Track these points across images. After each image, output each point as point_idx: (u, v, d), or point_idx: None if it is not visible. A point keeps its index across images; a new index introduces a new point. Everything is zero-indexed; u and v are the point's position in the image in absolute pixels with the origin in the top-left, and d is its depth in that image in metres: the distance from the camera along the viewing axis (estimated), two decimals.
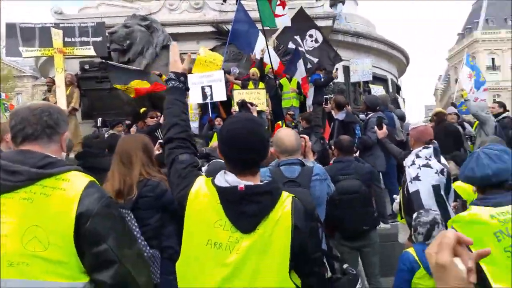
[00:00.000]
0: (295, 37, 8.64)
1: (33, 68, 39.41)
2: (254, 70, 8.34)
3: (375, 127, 4.64)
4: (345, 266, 2.15)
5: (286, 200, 1.57)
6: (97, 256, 1.42)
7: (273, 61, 8.21)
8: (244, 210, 1.51)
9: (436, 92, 66.78)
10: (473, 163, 2.12)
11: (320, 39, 8.99)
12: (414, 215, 2.92)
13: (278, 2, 7.90)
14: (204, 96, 7.27)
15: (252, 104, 6.32)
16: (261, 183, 1.60)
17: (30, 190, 1.40)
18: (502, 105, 7.23)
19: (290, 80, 8.82)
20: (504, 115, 6.96)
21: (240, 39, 8.51)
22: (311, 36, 9.02)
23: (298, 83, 8.77)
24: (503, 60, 51.97)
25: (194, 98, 7.39)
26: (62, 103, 8.25)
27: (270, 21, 7.97)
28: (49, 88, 9.47)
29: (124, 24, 8.40)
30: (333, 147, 4.66)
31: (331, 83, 9.49)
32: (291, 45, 8.89)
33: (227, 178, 1.58)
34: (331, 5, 11.17)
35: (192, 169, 1.71)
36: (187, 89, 1.93)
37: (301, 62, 8.42)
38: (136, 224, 2.56)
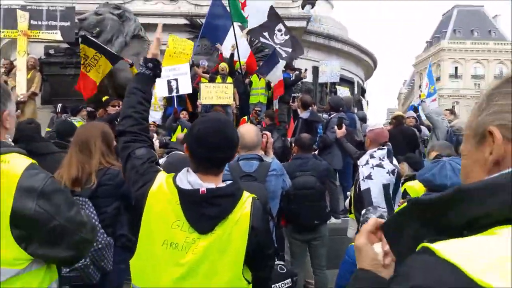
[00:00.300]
0: (264, 33, 8.63)
1: None
2: (224, 65, 8.40)
3: (335, 126, 4.84)
4: (277, 262, 2.25)
5: (246, 201, 1.59)
6: (50, 232, 1.40)
7: (243, 55, 8.26)
8: (204, 212, 1.52)
9: (400, 96, 68.91)
10: (437, 170, 2.28)
11: (287, 33, 9.07)
12: (363, 211, 3.11)
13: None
14: (170, 89, 7.32)
15: None
16: (223, 186, 1.59)
17: None
18: (452, 112, 7.63)
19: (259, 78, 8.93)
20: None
21: (213, 33, 8.56)
22: (280, 30, 9.12)
23: (267, 83, 8.87)
24: (465, 70, 54.32)
25: (160, 92, 7.43)
26: (22, 87, 8.06)
27: (241, 18, 8.06)
28: (6, 70, 9.18)
29: (95, 12, 8.27)
30: (293, 144, 4.83)
31: (299, 82, 9.73)
32: (263, 40, 8.91)
33: (189, 179, 1.56)
34: (301, 6, 11.34)
35: (150, 165, 1.68)
36: (156, 75, 1.87)
37: (279, 66, 8.31)
38: (94, 212, 2.55)
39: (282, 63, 8.31)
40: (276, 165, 3.07)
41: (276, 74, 8.34)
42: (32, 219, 1.35)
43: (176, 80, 7.30)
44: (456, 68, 54.87)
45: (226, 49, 8.59)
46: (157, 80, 6.54)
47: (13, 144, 1.58)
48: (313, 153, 4.61)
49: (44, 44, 9.20)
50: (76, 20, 8.33)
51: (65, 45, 9.10)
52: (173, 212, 1.53)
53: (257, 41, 9.40)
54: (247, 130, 2.97)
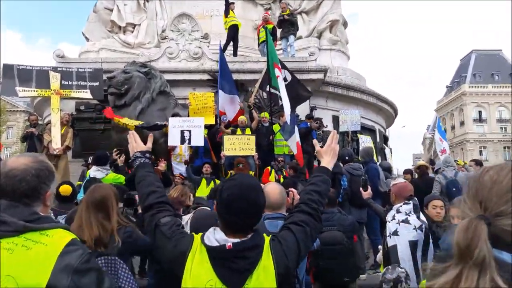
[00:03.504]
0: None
1: (27, 103, 39.72)
2: (243, 118, 8.64)
3: (361, 188, 4.77)
4: None
5: (267, 248, 1.66)
6: None
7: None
8: (233, 267, 1.58)
9: (425, 141, 67.95)
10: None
11: (289, 77, 8.83)
12: (383, 270, 3.04)
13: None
14: (183, 139, 7.47)
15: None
16: (246, 239, 1.66)
17: (12, 241, 1.42)
18: (478, 163, 7.41)
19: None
20: None
21: (229, 87, 8.94)
22: (285, 79, 8.81)
23: None
24: (489, 113, 53.55)
25: (172, 141, 7.55)
26: (57, 142, 8.41)
27: (274, 80, 8.23)
28: (32, 124, 9.57)
29: (123, 70, 8.62)
30: None
31: (320, 131, 9.80)
32: (269, 89, 8.72)
33: (216, 237, 1.65)
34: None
35: (176, 228, 1.78)
36: (154, 163, 2.05)
37: (296, 135, 8.08)
38: (127, 268, 2.68)
39: (297, 134, 8.12)
40: None
41: (294, 143, 8.13)
42: None
43: (189, 131, 7.49)
44: (480, 112, 54.24)
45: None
46: (171, 128, 6.76)
47: (57, 220, 1.66)
48: (337, 207, 4.56)
49: (75, 101, 9.65)
50: (105, 78, 8.77)
51: (95, 101, 9.51)
52: (205, 272, 1.59)
53: (263, 96, 9.52)
54: (272, 189, 2.98)
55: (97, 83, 8.80)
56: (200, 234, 1.71)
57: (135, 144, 2.15)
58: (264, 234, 1.73)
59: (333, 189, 4.65)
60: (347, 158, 6.43)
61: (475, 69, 56.12)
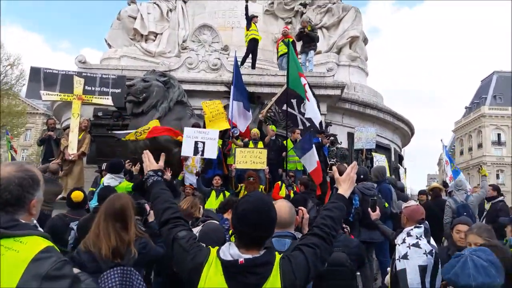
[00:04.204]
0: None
1: (47, 106, 40.54)
2: (255, 131, 8.70)
3: (369, 209, 4.73)
4: None
5: (277, 266, 1.78)
6: None
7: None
8: (245, 281, 1.71)
9: (440, 162, 66.95)
10: (459, 268, 2.09)
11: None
12: None
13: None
14: (196, 150, 7.53)
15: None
16: (258, 255, 1.79)
17: None
18: (495, 188, 7.24)
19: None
20: (499, 198, 6.97)
21: (244, 103, 8.98)
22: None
23: None
24: (509, 137, 52.41)
25: (185, 151, 7.59)
26: (73, 147, 8.54)
27: (300, 89, 8.17)
28: (50, 127, 9.82)
29: (143, 78, 8.73)
30: None
31: (334, 147, 9.79)
32: (289, 110, 8.53)
33: (230, 252, 1.79)
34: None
35: (193, 241, 1.93)
36: (166, 180, 2.19)
37: (313, 153, 7.91)
38: (142, 279, 2.70)
39: (314, 151, 7.93)
40: None
41: (310, 161, 7.98)
42: None
43: (203, 143, 7.56)
44: (499, 135, 53.17)
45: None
46: (186, 138, 6.82)
47: (38, 226, 1.68)
48: (345, 228, 4.53)
49: (93, 106, 9.84)
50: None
51: (113, 108, 9.68)
52: (218, 283, 1.73)
53: (278, 110, 9.50)
54: (281, 207, 2.94)
55: (119, 90, 8.96)
56: (216, 248, 1.86)
57: (149, 163, 2.33)
58: (276, 253, 1.84)
59: None
60: (361, 176, 6.36)
61: (495, 91, 55.12)
